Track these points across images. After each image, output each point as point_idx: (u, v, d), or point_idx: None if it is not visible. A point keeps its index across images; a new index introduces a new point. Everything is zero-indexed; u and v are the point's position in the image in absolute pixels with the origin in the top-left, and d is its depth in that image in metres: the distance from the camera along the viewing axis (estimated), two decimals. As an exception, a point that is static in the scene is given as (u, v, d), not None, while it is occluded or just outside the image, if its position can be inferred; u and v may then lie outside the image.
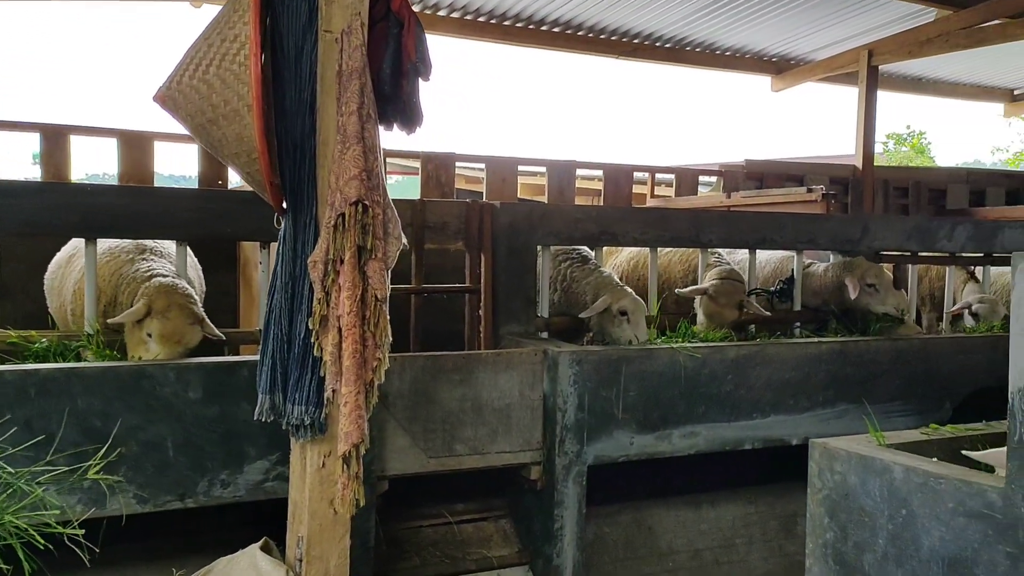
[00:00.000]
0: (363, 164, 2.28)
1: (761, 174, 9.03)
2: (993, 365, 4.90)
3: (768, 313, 4.82)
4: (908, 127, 29.83)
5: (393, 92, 2.54)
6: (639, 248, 5.21)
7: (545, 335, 4.42)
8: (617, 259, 5.59)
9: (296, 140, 2.35)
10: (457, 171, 7.65)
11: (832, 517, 2.53)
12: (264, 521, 3.05)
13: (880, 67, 9.78)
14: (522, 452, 3.71)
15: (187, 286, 3.33)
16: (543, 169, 8.36)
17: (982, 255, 5.80)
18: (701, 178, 9.67)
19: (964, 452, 2.54)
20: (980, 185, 10.79)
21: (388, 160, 7.86)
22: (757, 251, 5.15)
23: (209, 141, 2.38)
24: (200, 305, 3.33)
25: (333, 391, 2.21)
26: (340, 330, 2.19)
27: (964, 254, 5.75)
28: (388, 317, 2.36)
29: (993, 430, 2.87)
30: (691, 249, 5.11)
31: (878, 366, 4.52)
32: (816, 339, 4.43)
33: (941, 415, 4.73)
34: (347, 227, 2.23)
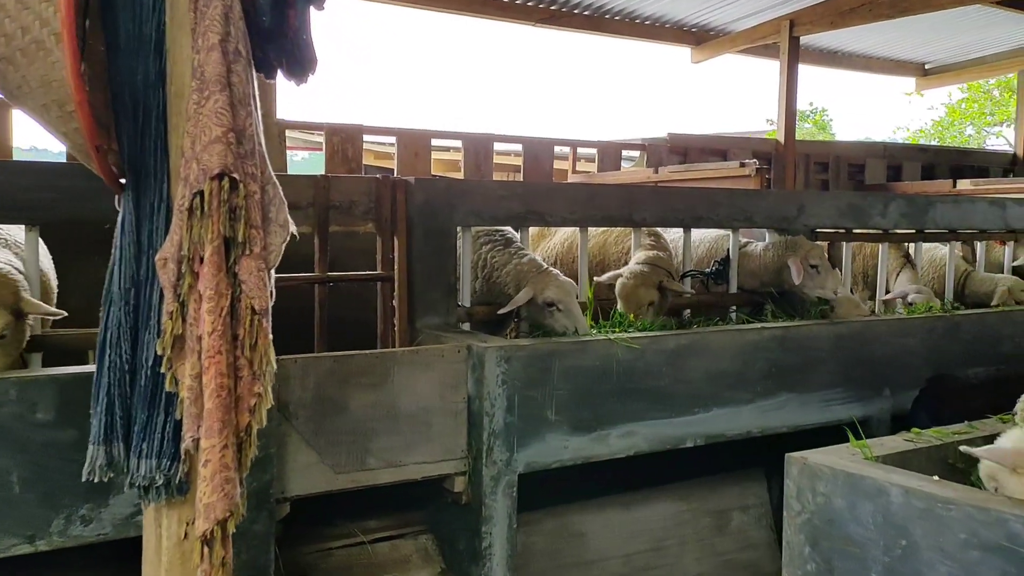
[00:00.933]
0: (229, 121, 1.67)
1: (685, 148, 8.88)
2: (930, 350, 4.83)
3: (690, 291, 4.58)
4: (811, 104, 30.57)
5: (276, 25, 1.87)
6: (574, 228, 4.90)
7: (467, 326, 4.05)
8: (551, 241, 5.26)
9: (137, 90, 1.74)
10: (365, 146, 7.14)
11: (814, 547, 2.25)
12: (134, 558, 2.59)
13: (799, 39, 9.76)
14: (444, 462, 3.34)
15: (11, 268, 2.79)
16: (458, 143, 7.94)
17: (914, 231, 5.75)
18: (624, 152, 9.46)
19: (963, 449, 2.26)
20: (897, 159, 11.00)
21: (288, 134, 7.27)
22: (692, 230, 4.91)
23: (6, 87, 1.76)
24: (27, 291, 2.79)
25: (193, 440, 1.59)
26: (200, 355, 1.58)
27: (897, 231, 5.69)
28: (270, 336, 1.76)
29: (979, 432, 2.67)
30: (626, 229, 4.82)
31: (818, 352, 4.35)
32: (757, 325, 4.22)
33: (881, 403, 4.63)
34: (208, 211, 1.62)
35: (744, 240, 5.12)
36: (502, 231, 4.34)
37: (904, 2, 7.93)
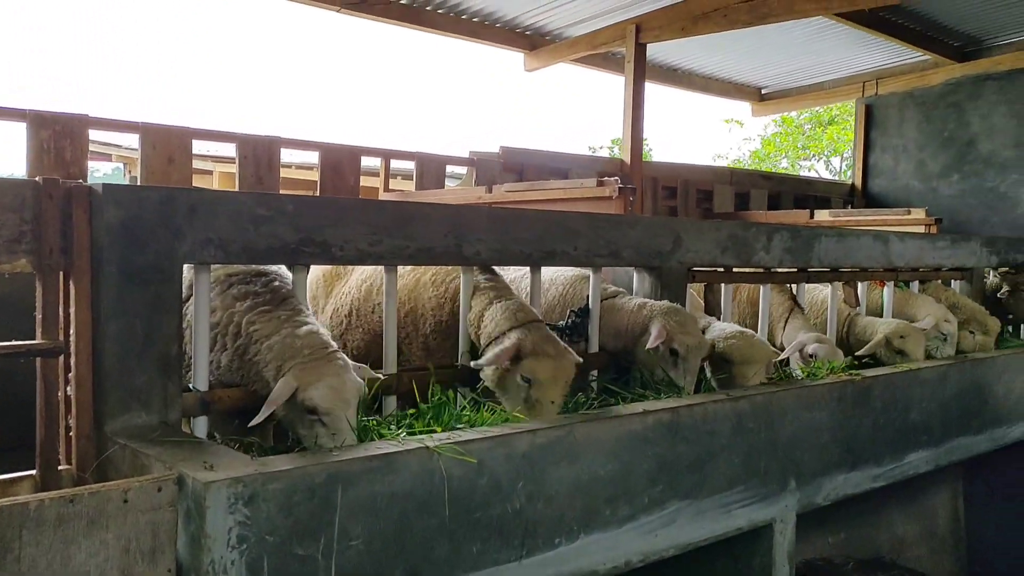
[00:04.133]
0: None
1: (520, 166, 7.89)
2: (839, 424, 4.00)
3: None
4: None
5: None
6: (377, 268, 3.64)
7: (203, 425, 2.68)
8: (346, 283, 3.95)
9: None
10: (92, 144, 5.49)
11: None
12: None
13: (645, 47, 9.13)
14: None
15: None
16: (230, 147, 6.43)
17: (797, 270, 4.99)
18: (449, 169, 8.31)
19: None
20: (744, 186, 10.65)
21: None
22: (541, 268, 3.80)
23: None
24: None
25: None
26: None
27: (779, 270, 4.90)
28: None
29: None
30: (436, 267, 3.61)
31: (717, 439, 3.35)
32: (639, 408, 3.14)
33: (786, 499, 3.71)
34: None
35: (610, 287, 4.08)
36: (268, 274, 2.99)
37: (764, 7, 7.42)
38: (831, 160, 29.84)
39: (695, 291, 4.75)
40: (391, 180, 8.12)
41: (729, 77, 12.67)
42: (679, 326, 3.61)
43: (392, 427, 2.71)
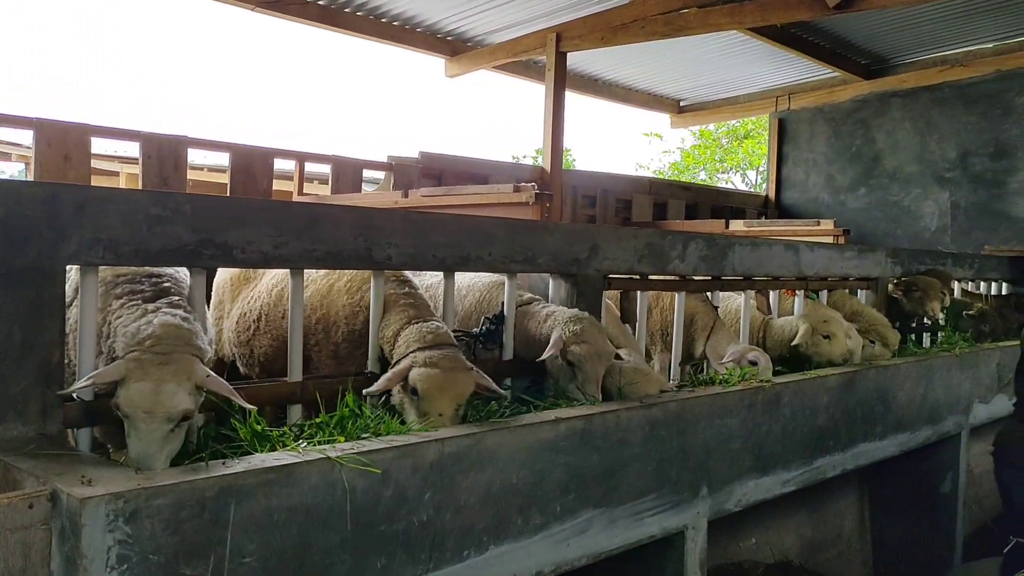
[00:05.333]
0: None
1: (439, 171, 7.81)
2: (750, 431, 4.05)
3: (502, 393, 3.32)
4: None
5: None
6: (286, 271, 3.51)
7: (85, 437, 2.52)
8: (255, 288, 3.79)
9: None
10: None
11: None
12: None
13: (566, 56, 9.18)
14: None
15: None
16: (135, 147, 6.16)
17: (711, 278, 5.05)
18: (366, 173, 8.16)
19: None
20: (663, 197, 10.80)
21: None
22: (456, 274, 3.74)
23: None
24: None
25: None
26: None
27: (695, 278, 4.95)
28: None
29: None
30: (363, 272, 3.51)
31: (629, 447, 3.34)
32: (551, 415, 3.09)
33: (698, 506, 3.73)
34: None
35: (526, 294, 4.04)
36: (161, 276, 2.84)
37: (680, 19, 7.55)
38: (747, 173, 30.68)
39: (612, 299, 4.75)
40: (306, 184, 7.93)
41: (648, 89, 12.88)
42: (575, 336, 3.52)
43: (294, 438, 2.59)
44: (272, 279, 3.73)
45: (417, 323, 3.16)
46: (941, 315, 6.58)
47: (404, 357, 3.02)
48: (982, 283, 8.74)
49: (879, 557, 6.31)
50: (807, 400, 4.49)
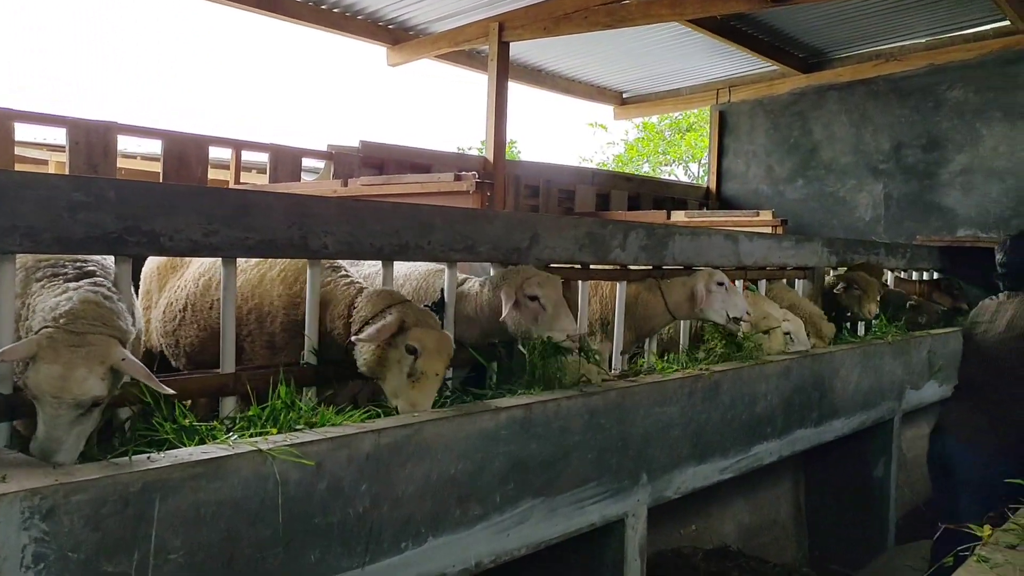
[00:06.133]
0: None
1: (381, 161, 7.71)
2: (689, 419, 4.09)
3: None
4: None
5: None
6: (215, 259, 3.42)
7: (5, 429, 2.41)
8: (181, 276, 3.69)
9: None
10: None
11: None
12: None
13: (508, 45, 9.14)
14: None
15: None
16: (62, 133, 5.94)
17: (652, 268, 5.09)
18: (306, 162, 8.03)
19: None
20: (605, 188, 10.86)
21: None
22: (395, 262, 3.69)
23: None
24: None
25: None
26: None
27: (635, 267, 4.98)
28: None
29: None
30: (300, 261, 3.44)
31: (570, 436, 3.34)
32: (491, 405, 3.08)
33: (638, 493, 3.76)
34: None
35: (462, 277, 4.02)
36: (86, 261, 2.74)
37: (623, 10, 7.58)
38: (689, 165, 31.07)
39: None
40: (243, 173, 7.75)
41: (591, 80, 12.92)
42: (521, 276, 3.62)
43: (225, 431, 2.52)
44: (199, 268, 3.63)
45: (368, 289, 3.19)
46: (875, 321, 6.75)
47: (380, 313, 3.00)
48: (914, 272, 9.00)
49: (814, 541, 6.46)
50: (746, 388, 4.56)
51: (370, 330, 2.96)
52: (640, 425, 3.75)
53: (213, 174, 7.33)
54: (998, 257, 5.25)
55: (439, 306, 3.80)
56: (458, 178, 4.78)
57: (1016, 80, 10.07)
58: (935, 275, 9.32)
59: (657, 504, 3.90)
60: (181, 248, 2.77)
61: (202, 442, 2.40)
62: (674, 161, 31.56)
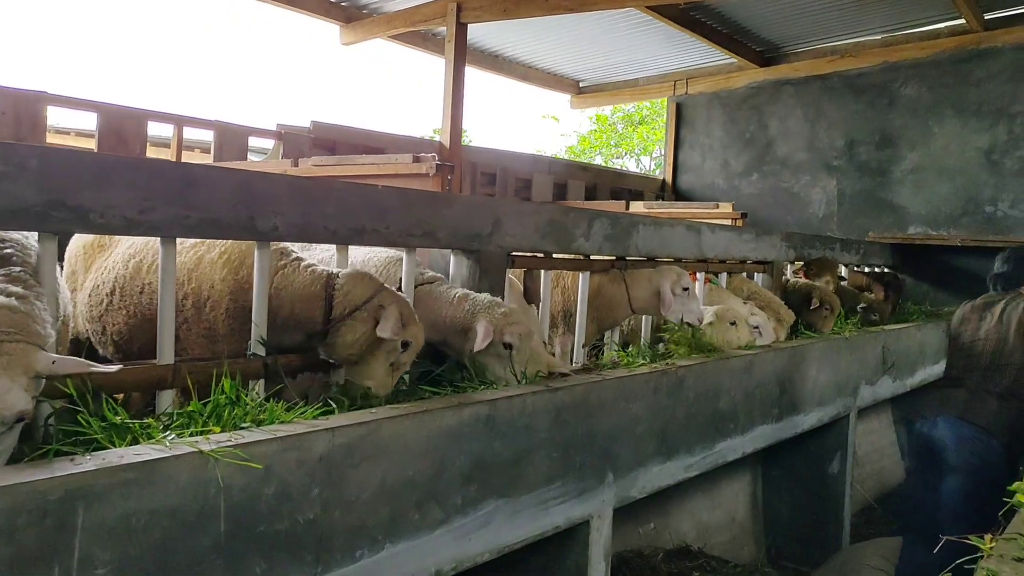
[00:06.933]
0: None
1: (333, 142, 7.42)
2: (655, 415, 3.95)
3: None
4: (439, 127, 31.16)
5: None
6: (149, 239, 3.16)
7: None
8: (110, 257, 3.40)
9: None
10: None
11: None
12: None
13: (467, 27, 8.91)
14: None
15: None
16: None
17: (615, 258, 4.94)
18: (253, 142, 7.69)
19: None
20: (562, 177, 10.71)
21: None
22: (351, 248, 3.47)
23: None
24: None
25: None
26: None
27: (598, 257, 4.82)
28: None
29: None
30: (244, 244, 3.20)
31: (535, 433, 3.16)
32: (454, 400, 2.88)
33: (603, 493, 3.60)
34: None
35: (427, 272, 3.81)
36: (3, 241, 2.47)
37: (585, -6, 7.41)
38: (641, 159, 31.17)
39: (515, 278, 4.58)
40: (185, 152, 7.39)
41: (548, 68, 12.75)
42: (505, 318, 3.46)
43: (161, 430, 2.28)
44: (128, 248, 3.34)
45: (346, 272, 3.14)
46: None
47: (369, 300, 2.98)
48: (866, 267, 9.06)
49: (771, 538, 6.41)
50: (710, 383, 4.44)
51: (392, 326, 2.91)
52: (606, 421, 3.59)
53: (153, 152, 6.97)
54: (997, 265, 5.49)
55: (397, 296, 3.59)
56: (417, 160, 4.55)
57: (968, 79, 10.19)
58: (885, 272, 9.40)
59: (623, 504, 3.75)
60: (114, 226, 2.51)
61: (135, 442, 2.16)
62: (626, 154, 31.64)
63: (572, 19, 9.88)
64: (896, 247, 9.72)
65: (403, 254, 3.63)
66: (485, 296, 3.62)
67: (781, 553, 6.29)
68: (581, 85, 13.64)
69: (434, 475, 2.72)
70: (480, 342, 3.34)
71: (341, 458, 2.38)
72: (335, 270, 3.15)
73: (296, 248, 3.31)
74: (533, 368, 3.48)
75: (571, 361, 4.70)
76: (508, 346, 3.42)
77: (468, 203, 3.84)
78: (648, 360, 4.26)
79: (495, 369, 3.43)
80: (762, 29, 11.05)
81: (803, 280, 6.98)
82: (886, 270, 9.16)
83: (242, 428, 2.33)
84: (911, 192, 10.67)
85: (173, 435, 2.18)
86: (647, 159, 30.82)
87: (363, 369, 2.96)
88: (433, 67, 10.00)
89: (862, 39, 11.02)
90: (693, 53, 11.73)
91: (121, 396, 2.65)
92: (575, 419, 3.39)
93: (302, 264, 3.10)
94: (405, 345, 2.98)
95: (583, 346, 4.78)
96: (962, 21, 9.85)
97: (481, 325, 3.38)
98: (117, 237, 3.38)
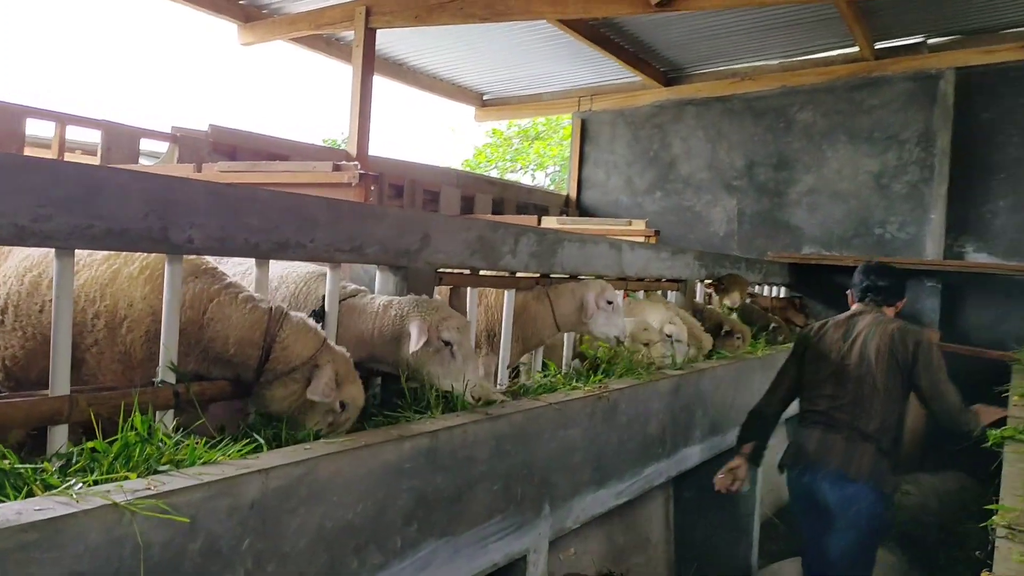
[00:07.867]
0: None
1: (233, 147, 6.99)
2: (591, 441, 3.80)
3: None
4: (345, 135, 30.51)
5: None
6: (46, 249, 2.77)
7: None
8: (1, 270, 2.97)
9: None
10: None
11: None
12: None
13: (375, 32, 8.62)
14: None
15: None
16: None
17: (540, 275, 4.79)
18: (144, 144, 7.16)
19: None
20: (469, 190, 10.52)
21: None
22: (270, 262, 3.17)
23: None
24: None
25: None
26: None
27: (524, 275, 4.66)
28: None
29: None
30: (152, 256, 2.85)
31: (476, 465, 2.95)
32: (393, 433, 2.63)
33: (540, 526, 3.42)
34: None
35: (349, 285, 3.54)
36: None
37: (499, 5, 7.25)
38: (536, 174, 31.38)
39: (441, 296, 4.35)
40: (68, 154, 6.81)
41: (453, 79, 12.57)
42: (438, 314, 3.22)
43: (60, 475, 1.95)
44: (23, 260, 2.94)
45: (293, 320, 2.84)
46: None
47: (308, 360, 2.71)
48: (767, 287, 9.27)
49: (681, 560, 6.39)
50: (641, 406, 4.34)
51: (322, 388, 2.64)
52: (544, 449, 3.42)
53: (31, 153, 6.36)
54: (857, 277, 5.17)
55: (319, 315, 3.31)
56: (337, 168, 4.26)
57: (861, 106, 10.62)
58: (783, 290, 9.65)
59: (557, 536, 3.59)
60: (3, 236, 2.16)
61: (30, 492, 1.83)
62: (520, 168, 31.77)
63: (479, 30, 9.74)
64: (793, 266, 10.00)
65: (326, 269, 3.35)
66: (410, 297, 3.39)
67: (692, 573, 6.27)
68: (485, 98, 13.52)
69: (375, 516, 2.46)
70: (415, 342, 3.08)
71: (276, 503, 2.11)
72: (275, 306, 2.82)
73: (222, 266, 2.99)
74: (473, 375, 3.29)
75: (495, 383, 4.50)
76: (447, 343, 3.17)
77: (399, 217, 3.59)
78: (582, 381, 4.11)
79: (437, 371, 3.17)
80: (667, 49, 11.21)
81: (715, 306, 7.03)
82: (793, 295, 9.41)
83: (159, 472, 2.02)
84: (806, 213, 11.03)
85: (79, 483, 1.85)
86: (542, 175, 31.04)
87: (297, 426, 2.70)
88: (336, 73, 9.65)
89: (762, 63, 11.34)
90: (599, 69, 11.79)
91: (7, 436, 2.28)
92: (515, 448, 3.19)
93: (240, 296, 2.78)
94: (343, 405, 2.72)
95: (508, 367, 4.59)
96: (856, 49, 10.26)
97: (414, 325, 3.14)
98: (7, 249, 2.96)
